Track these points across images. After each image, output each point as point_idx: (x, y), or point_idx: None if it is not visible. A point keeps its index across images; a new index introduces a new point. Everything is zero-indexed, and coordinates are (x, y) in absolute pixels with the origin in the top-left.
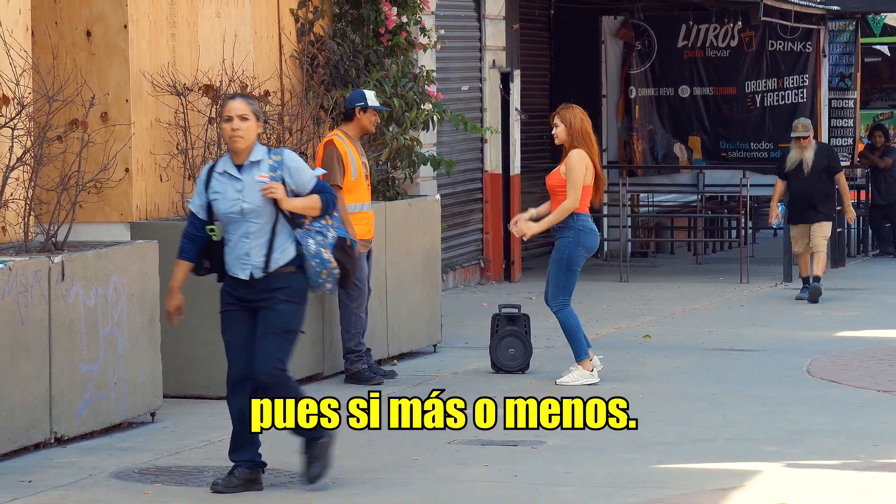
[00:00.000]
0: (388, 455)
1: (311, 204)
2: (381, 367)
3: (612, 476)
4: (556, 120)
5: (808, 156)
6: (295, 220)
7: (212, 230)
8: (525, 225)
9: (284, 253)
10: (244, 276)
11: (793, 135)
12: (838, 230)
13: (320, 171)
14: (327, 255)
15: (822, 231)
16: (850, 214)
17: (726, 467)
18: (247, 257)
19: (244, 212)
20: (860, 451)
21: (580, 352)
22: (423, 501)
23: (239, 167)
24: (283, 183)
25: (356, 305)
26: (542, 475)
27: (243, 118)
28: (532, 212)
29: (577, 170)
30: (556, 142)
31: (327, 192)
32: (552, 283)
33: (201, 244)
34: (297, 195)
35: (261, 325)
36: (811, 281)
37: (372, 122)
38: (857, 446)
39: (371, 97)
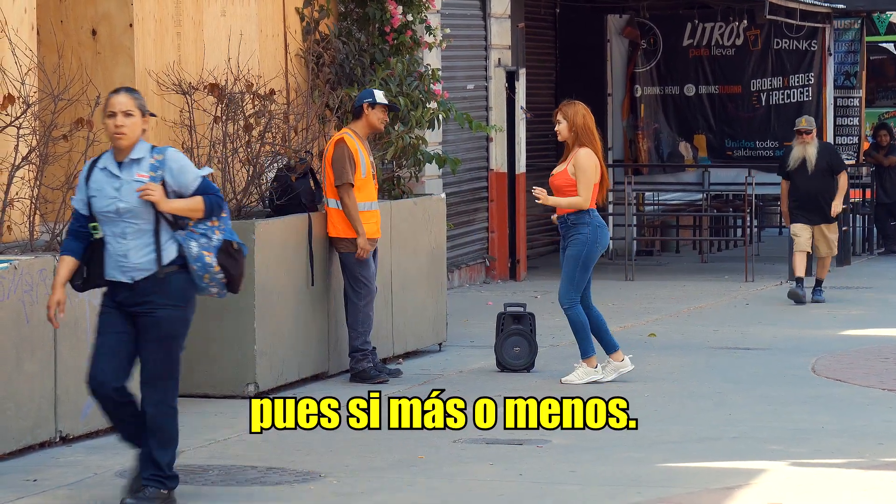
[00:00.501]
0: (393, 454)
1: (193, 206)
2: (387, 366)
3: (617, 475)
4: (559, 116)
5: (811, 152)
6: (177, 221)
7: (94, 227)
8: (543, 192)
9: (165, 255)
10: (123, 279)
11: (796, 128)
12: (843, 228)
13: (207, 171)
14: (210, 258)
15: (829, 235)
16: (836, 205)
17: (731, 466)
18: (124, 259)
19: (120, 211)
20: (865, 450)
21: (588, 348)
22: (429, 500)
23: (120, 164)
24: (164, 183)
25: (364, 304)
26: (548, 474)
27: (127, 114)
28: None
29: (588, 169)
30: (559, 138)
31: (212, 192)
32: (566, 279)
33: (85, 241)
34: (179, 196)
35: (141, 334)
36: (815, 287)
37: (381, 119)
38: (862, 445)
39: (380, 95)
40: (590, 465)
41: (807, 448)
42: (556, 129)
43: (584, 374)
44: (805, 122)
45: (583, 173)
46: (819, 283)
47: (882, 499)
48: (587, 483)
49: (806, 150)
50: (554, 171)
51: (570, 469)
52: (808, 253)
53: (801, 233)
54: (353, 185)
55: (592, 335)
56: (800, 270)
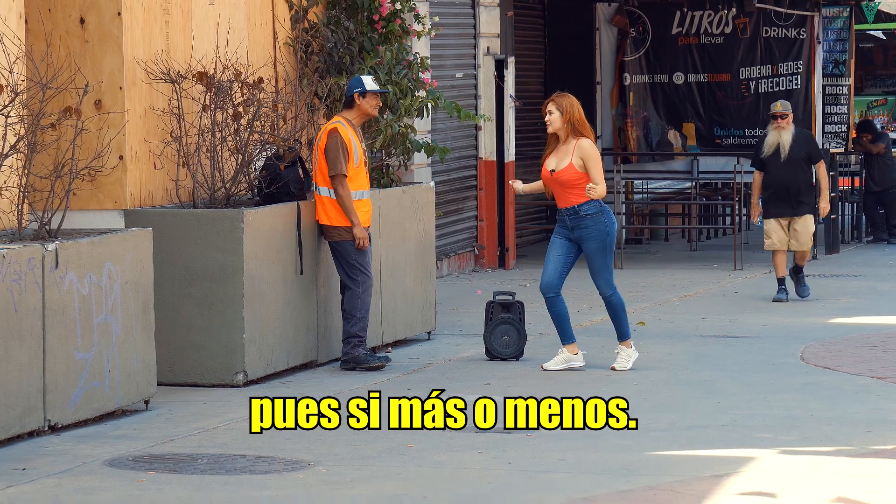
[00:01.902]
0: (382, 442)
1: None
2: (376, 355)
3: (606, 463)
4: (552, 107)
5: (786, 139)
6: None
7: None
8: (518, 183)
9: None
10: None
11: (771, 112)
12: (832, 216)
13: None
14: None
15: (805, 228)
16: (824, 208)
17: (721, 454)
18: None
19: None
20: (854, 438)
21: (628, 330)
22: (417, 489)
23: None
24: None
25: (362, 290)
26: (537, 462)
27: None
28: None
29: (598, 157)
30: (550, 129)
31: None
32: (602, 267)
33: None
34: None
35: None
36: (791, 274)
37: (373, 105)
38: (852, 433)
39: (369, 82)
40: (579, 452)
41: (796, 436)
42: (546, 119)
43: (626, 356)
44: (780, 105)
45: (595, 163)
46: (798, 269)
47: (871, 486)
48: (576, 471)
49: (780, 136)
50: (550, 167)
51: (560, 457)
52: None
53: (773, 233)
54: (346, 176)
55: (556, 319)
56: (781, 270)
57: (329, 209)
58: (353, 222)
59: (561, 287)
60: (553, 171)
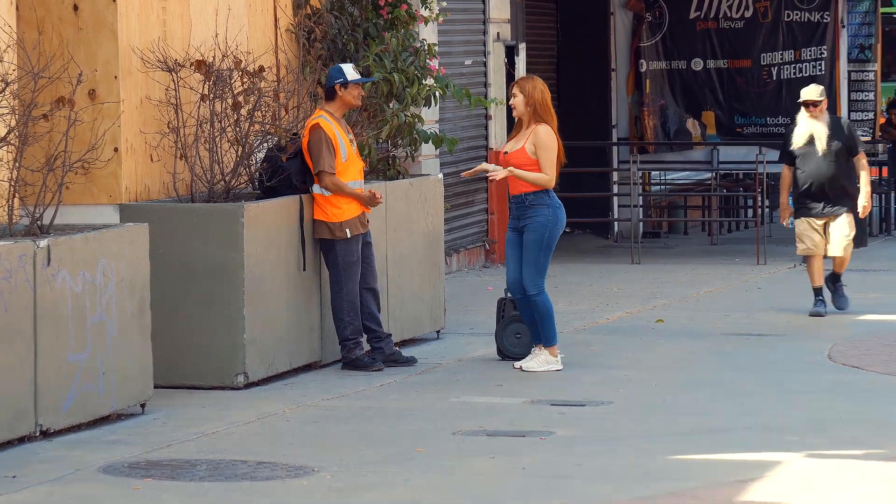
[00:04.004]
0: (390, 447)
1: None
2: (402, 354)
3: (624, 468)
4: (515, 90)
5: (820, 129)
6: None
7: None
8: (497, 169)
9: None
10: None
11: (802, 99)
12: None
13: None
14: None
15: (843, 230)
16: (866, 207)
17: (745, 458)
18: None
19: None
20: (885, 441)
21: (552, 336)
22: (427, 497)
23: None
24: None
25: (346, 291)
26: (552, 467)
27: None
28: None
29: (551, 147)
30: (514, 113)
31: None
32: (533, 262)
33: None
34: None
35: None
36: (827, 282)
37: (356, 96)
38: (882, 435)
39: (349, 71)
40: (596, 457)
41: (824, 439)
42: (510, 102)
43: (544, 360)
44: (812, 91)
45: (546, 151)
46: (836, 277)
47: None
48: (594, 477)
49: (814, 127)
50: (506, 149)
51: (576, 462)
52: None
53: (807, 236)
54: (332, 174)
55: (526, 318)
56: (817, 278)
57: (317, 205)
58: (357, 196)
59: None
60: (507, 152)
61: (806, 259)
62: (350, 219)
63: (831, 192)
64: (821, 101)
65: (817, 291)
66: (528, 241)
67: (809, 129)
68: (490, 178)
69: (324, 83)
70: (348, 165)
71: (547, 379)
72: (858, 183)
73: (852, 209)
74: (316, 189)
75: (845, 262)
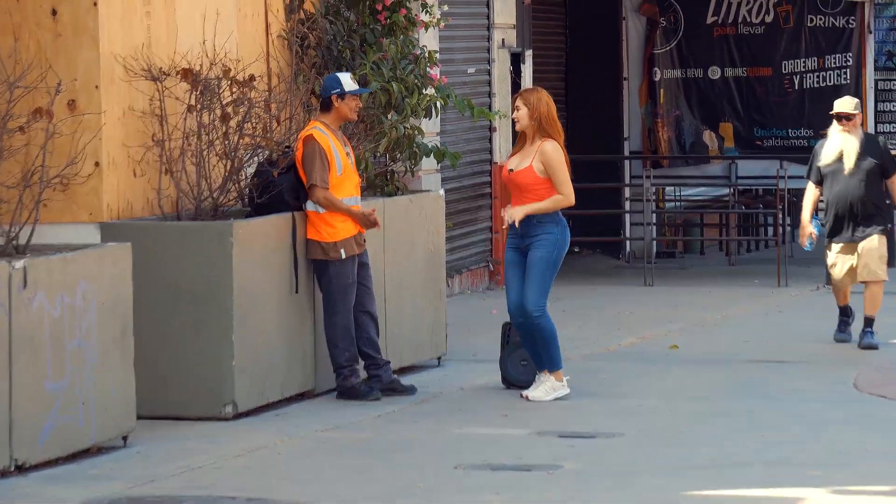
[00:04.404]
0: (388, 482)
1: None
2: (401, 383)
3: None
4: (519, 102)
5: (851, 146)
6: None
7: None
8: (513, 210)
9: None
10: None
11: (835, 111)
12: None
13: None
14: None
15: (874, 250)
16: None
17: (765, 494)
18: None
19: None
20: None
21: (558, 360)
22: None
23: None
24: None
25: (340, 316)
26: None
27: None
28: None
29: (562, 165)
30: (517, 127)
31: None
32: (536, 284)
33: None
34: None
35: None
36: (863, 327)
37: (353, 108)
38: None
39: (348, 81)
40: (607, 493)
41: (849, 473)
42: (513, 115)
43: (550, 388)
44: (845, 103)
45: (556, 171)
46: (869, 322)
47: None
48: None
49: (845, 143)
50: (510, 166)
51: (585, 499)
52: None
53: (839, 261)
54: (326, 188)
55: (528, 346)
56: (843, 299)
57: (310, 223)
58: (351, 213)
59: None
60: (512, 170)
61: (835, 286)
62: (345, 238)
63: (862, 214)
64: (854, 115)
65: (844, 311)
66: (535, 259)
67: (840, 146)
68: (509, 223)
69: (318, 93)
70: (343, 180)
71: (554, 409)
72: (890, 202)
73: (883, 231)
74: (309, 206)
75: (876, 301)
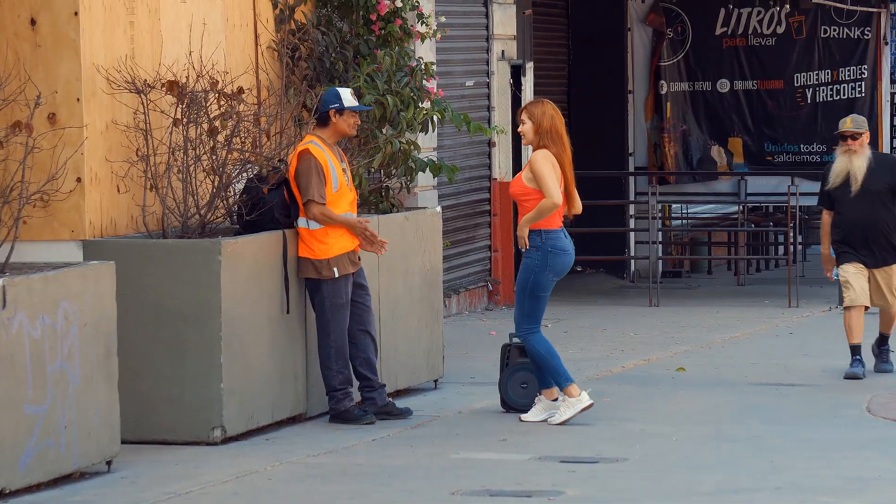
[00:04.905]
0: None
1: None
2: (396, 406)
3: None
4: (524, 116)
5: (859, 166)
6: None
7: None
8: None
9: None
10: None
11: (839, 131)
12: None
13: None
14: None
15: (891, 282)
16: None
17: None
18: None
19: None
20: None
21: (560, 377)
22: None
23: None
24: None
25: (333, 337)
26: None
27: None
28: None
29: (544, 168)
30: (524, 141)
31: None
32: (517, 306)
33: None
34: None
35: None
36: (873, 346)
37: (351, 125)
38: None
39: (347, 96)
40: None
41: (861, 500)
42: (519, 130)
43: (566, 408)
44: (850, 122)
45: (540, 176)
46: (884, 339)
47: None
48: None
49: (852, 163)
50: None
51: None
52: (867, 308)
53: (854, 279)
54: (323, 204)
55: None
56: (857, 334)
57: (302, 241)
58: (350, 224)
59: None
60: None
61: (845, 309)
62: (338, 255)
63: (874, 241)
64: (861, 134)
65: (855, 349)
66: (516, 281)
67: (846, 167)
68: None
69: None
70: (339, 196)
71: (556, 433)
72: None
73: None
74: (301, 223)
75: (892, 322)
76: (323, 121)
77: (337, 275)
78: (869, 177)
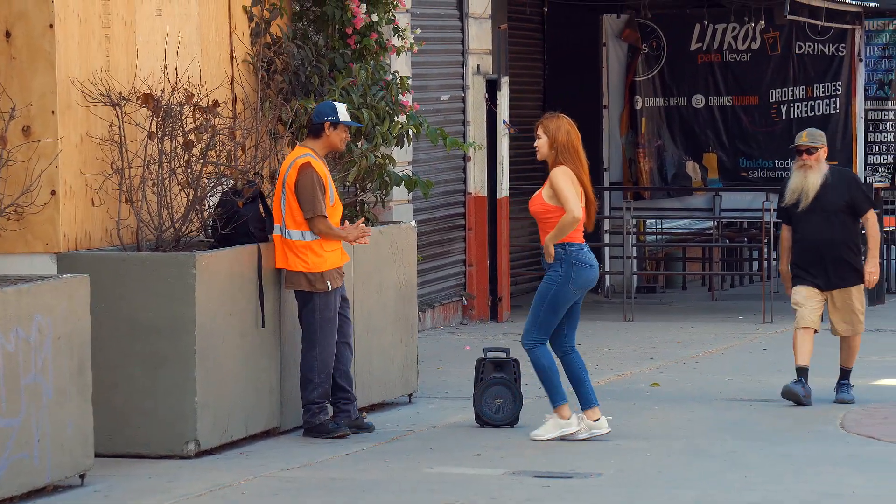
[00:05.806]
0: None
1: None
2: (364, 420)
3: None
4: (539, 131)
5: (813, 182)
6: None
7: None
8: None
9: None
10: None
11: (795, 144)
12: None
13: None
14: None
15: (851, 306)
16: (872, 273)
17: None
18: None
19: None
20: None
21: (555, 397)
22: None
23: None
24: None
25: (319, 352)
26: None
27: None
28: None
29: (566, 186)
30: (538, 156)
31: None
32: (530, 315)
33: None
34: None
35: None
36: (839, 379)
37: (342, 139)
38: None
39: (343, 111)
40: None
41: None
42: (535, 144)
43: (552, 427)
44: (806, 136)
45: (560, 190)
46: (845, 374)
47: None
48: None
49: (806, 179)
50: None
51: None
52: (817, 331)
53: (806, 301)
54: (325, 217)
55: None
56: (803, 357)
57: (293, 253)
58: (346, 235)
59: (573, 340)
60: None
61: (797, 331)
62: (332, 269)
63: (830, 261)
64: (817, 149)
65: (800, 371)
66: (536, 291)
67: (801, 183)
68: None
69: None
70: (334, 210)
71: (530, 448)
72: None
73: (858, 279)
74: (295, 235)
75: (853, 353)
76: (316, 132)
77: (330, 288)
78: (824, 193)
